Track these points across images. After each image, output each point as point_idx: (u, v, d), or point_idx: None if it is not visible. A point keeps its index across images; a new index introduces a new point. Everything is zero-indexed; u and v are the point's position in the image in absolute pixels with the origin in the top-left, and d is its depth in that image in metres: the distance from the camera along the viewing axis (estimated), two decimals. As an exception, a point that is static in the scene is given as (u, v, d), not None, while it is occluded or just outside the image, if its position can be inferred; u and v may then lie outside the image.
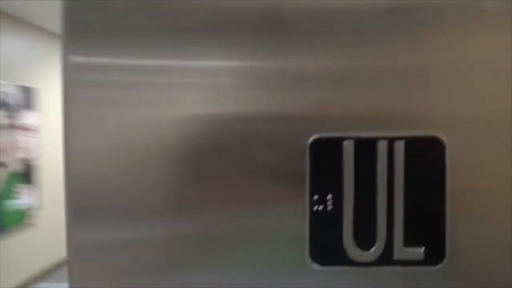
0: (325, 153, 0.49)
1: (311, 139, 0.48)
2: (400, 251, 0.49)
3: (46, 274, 4.23)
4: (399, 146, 0.48)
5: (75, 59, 0.49)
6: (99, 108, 0.49)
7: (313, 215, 0.49)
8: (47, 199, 4.21)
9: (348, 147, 0.48)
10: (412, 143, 0.48)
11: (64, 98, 0.50)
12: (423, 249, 0.49)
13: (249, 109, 0.49)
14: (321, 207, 0.49)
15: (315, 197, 0.49)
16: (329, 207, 0.49)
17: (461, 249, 0.49)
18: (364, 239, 0.49)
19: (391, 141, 0.48)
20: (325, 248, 0.49)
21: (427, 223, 0.49)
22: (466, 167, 0.48)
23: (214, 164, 0.49)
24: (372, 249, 0.49)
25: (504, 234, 0.49)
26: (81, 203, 0.50)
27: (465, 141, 0.48)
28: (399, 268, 0.49)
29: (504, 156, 0.48)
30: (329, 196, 0.49)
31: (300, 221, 0.49)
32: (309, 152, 0.48)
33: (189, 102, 0.49)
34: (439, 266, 0.49)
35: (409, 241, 0.49)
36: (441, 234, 0.49)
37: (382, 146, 0.48)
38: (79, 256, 0.51)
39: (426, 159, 0.49)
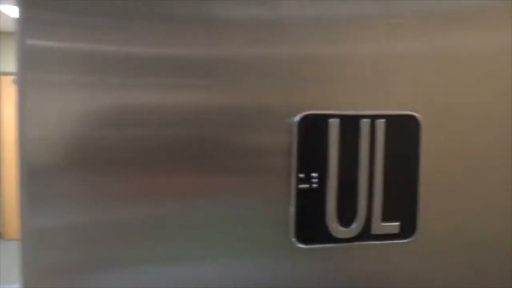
0: (311, 131, 0.48)
1: (299, 116, 0.47)
2: (378, 226, 0.51)
3: None
4: (380, 124, 0.49)
5: (32, 42, 0.44)
6: (55, 93, 0.44)
7: (299, 193, 0.48)
8: None
9: (334, 125, 0.48)
10: (392, 122, 0.50)
11: (19, 82, 0.44)
12: (398, 223, 0.51)
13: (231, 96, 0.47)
14: (306, 185, 0.48)
15: (301, 175, 0.48)
16: (314, 185, 0.48)
17: (432, 223, 0.52)
18: (345, 216, 0.50)
19: (373, 119, 0.49)
20: (309, 226, 0.49)
21: (402, 199, 0.51)
22: (440, 146, 0.51)
23: (188, 151, 0.47)
24: (353, 226, 0.50)
25: (472, 210, 0.53)
26: (36, 190, 0.45)
27: (439, 121, 0.51)
28: (377, 243, 0.51)
29: (475, 135, 0.52)
30: (314, 174, 0.48)
31: (284, 201, 0.48)
32: (297, 129, 0.47)
33: (149, 88, 0.46)
34: (411, 239, 0.52)
35: (385, 217, 0.51)
36: (415, 209, 0.52)
37: (365, 124, 0.49)
38: (33, 246, 0.45)
39: (403, 137, 0.51)
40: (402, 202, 0.51)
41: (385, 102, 0.50)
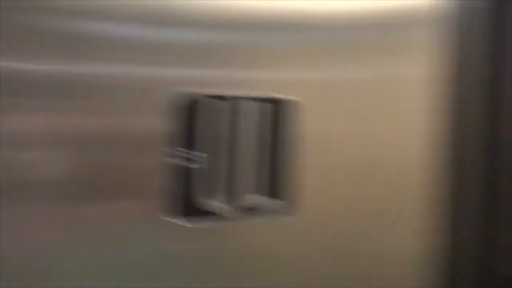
0: (186, 110, 0.50)
1: (175, 96, 0.50)
2: (259, 204, 0.53)
3: None
4: (252, 105, 0.52)
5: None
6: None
7: (177, 172, 0.50)
8: None
9: (206, 104, 0.51)
10: (266, 104, 0.53)
11: None
12: (279, 201, 0.53)
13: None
14: (185, 164, 0.50)
15: (179, 153, 0.50)
16: (194, 165, 0.50)
17: (313, 202, 0.55)
18: (224, 194, 0.51)
19: (243, 100, 0.52)
20: (190, 205, 0.51)
21: (282, 177, 0.54)
22: (324, 131, 0.55)
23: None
24: (233, 204, 0.52)
25: (355, 196, 0.56)
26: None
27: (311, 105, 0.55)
28: (258, 220, 0.53)
29: (360, 123, 0.56)
30: (192, 153, 0.50)
31: (156, 177, 0.50)
32: (173, 109, 0.49)
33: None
34: (293, 217, 0.54)
35: (266, 194, 0.53)
36: (295, 189, 0.54)
37: (238, 104, 0.52)
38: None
39: (277, 120, 0.54)
40: (284, 182, 0.54)
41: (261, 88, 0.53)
